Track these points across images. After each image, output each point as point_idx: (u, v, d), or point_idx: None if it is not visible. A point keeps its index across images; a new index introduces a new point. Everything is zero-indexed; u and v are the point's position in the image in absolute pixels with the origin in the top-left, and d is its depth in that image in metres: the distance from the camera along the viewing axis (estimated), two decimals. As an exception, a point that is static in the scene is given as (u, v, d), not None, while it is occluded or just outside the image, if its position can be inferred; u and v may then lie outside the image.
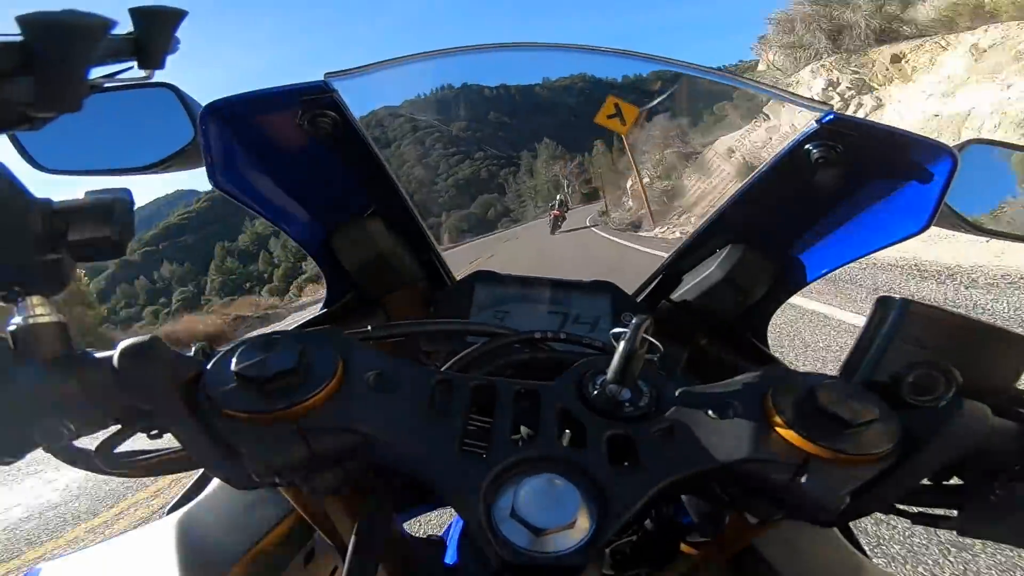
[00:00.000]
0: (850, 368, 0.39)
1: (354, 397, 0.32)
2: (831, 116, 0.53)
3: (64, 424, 0.32)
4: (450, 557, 0.46)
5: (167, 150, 0.65)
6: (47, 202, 0.31)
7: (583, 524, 0.28)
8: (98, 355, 0.33)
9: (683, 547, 0.42)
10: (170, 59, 0.34)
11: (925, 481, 0.34)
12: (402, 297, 0.79)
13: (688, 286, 0.74)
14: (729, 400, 0.35)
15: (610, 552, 0.32)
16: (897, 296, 0.38)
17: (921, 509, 0.36)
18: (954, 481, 0.35)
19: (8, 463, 0.33)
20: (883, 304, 0.39)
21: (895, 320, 0.37)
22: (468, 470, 0.30)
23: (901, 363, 0.36)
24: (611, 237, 3.32)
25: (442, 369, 0.40)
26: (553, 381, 0.37)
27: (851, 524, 0.54)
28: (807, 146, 0.56)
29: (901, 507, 0.36)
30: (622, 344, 0.35)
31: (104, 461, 0.34)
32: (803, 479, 0.30)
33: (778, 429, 0.32)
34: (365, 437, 0.31)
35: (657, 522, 0.41)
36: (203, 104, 0.56)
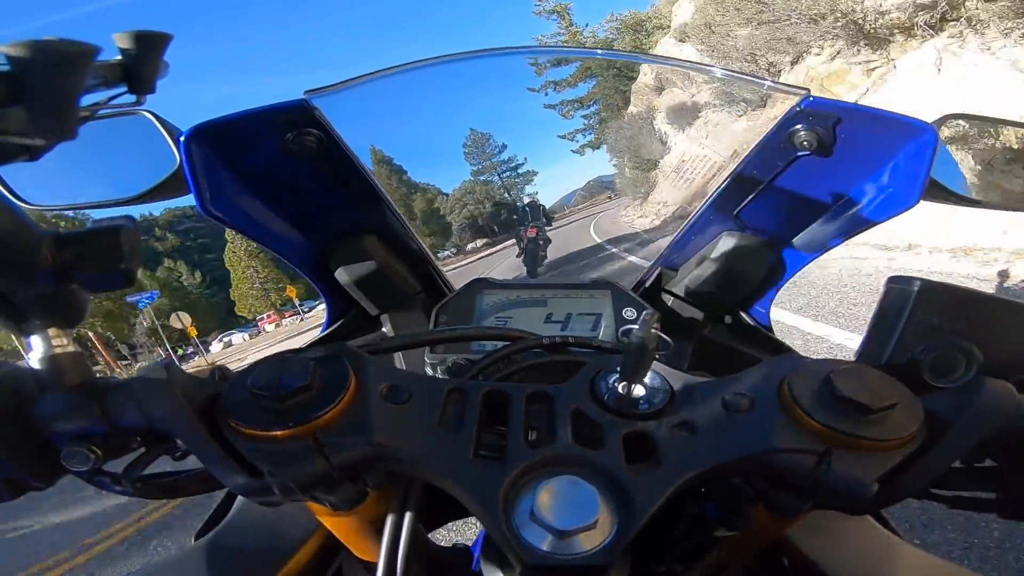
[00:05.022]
0: (867, 352, 0.39)
1: (368, 410, 0.32)
2: (810, 100, 0.54)
3: (90, 450, 0.33)
4: (476, 564, 0.45)
5: (151, 179, 0.65)
6: (53, 233, 0.32)
7: (606, 524, 0.28)
8: (117, 382, 0.34)
9: (713, 542, 0.41)
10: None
11: (957, 464, 0.32)
12: (403, 311, 0.79)
13: (686, 278, 0.74)
14: (745, 391, 0.34)
15: (638, 551, 0.32)
16: (909, 275, 0.38)
17: (958, 493, 0.34)
18: (988, 463, 0.34)
19: (40, 489, 0.34)
20: (896, 284, 0.38)
21: (910, 301, 0.36)
22: (485, 476, 0.30)
23: (919, 344, 0.36)
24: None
25: (454, 379, 0.40)
26: (564, 383, 0.37)
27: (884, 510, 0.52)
28: (790, 130, 0.57)
29: (937, 492, 0.34)
30: (633, 341, 0.34)
31: (131, 484, 0.35)
32: (827, 468, 0.29)
33: (797, 418, 0.31)
34: (382, 449, 0.31)
35: (684, 518, 0.40)
36: (183, 130, 0.55)
